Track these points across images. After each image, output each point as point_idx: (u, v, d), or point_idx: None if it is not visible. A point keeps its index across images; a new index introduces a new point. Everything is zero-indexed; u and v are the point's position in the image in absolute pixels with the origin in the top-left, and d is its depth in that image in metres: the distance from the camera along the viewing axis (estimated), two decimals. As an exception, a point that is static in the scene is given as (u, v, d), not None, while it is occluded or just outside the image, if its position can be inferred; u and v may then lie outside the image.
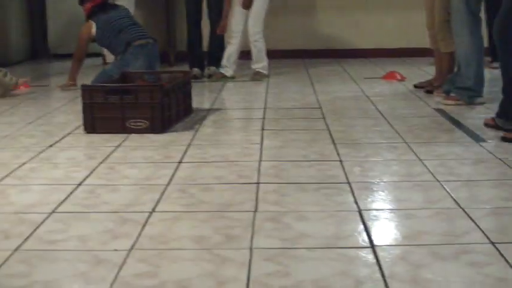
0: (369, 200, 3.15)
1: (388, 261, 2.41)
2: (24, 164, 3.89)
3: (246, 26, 7.21)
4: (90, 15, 6.37)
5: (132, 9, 7.56)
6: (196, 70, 7.41)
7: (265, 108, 5.54)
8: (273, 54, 7.81)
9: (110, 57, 7.27)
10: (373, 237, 2.65)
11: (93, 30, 6.29)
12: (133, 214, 2.98)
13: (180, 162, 3.87)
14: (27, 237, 2.72)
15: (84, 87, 4.76)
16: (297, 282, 2.26)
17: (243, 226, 2.80)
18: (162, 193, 3.27)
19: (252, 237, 2.67)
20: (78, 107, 4.87)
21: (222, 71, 7.30)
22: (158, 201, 3.15)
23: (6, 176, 3.65)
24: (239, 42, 7.23)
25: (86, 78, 6.46)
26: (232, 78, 7.26)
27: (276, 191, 3.28)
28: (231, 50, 7.26)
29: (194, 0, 7.44)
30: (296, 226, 2.79)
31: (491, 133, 4.40)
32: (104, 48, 6.69)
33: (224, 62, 7.28)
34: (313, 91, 6.41)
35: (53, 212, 3.03)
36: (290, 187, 3.34)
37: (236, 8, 7.19)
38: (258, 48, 7.24)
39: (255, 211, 2.98)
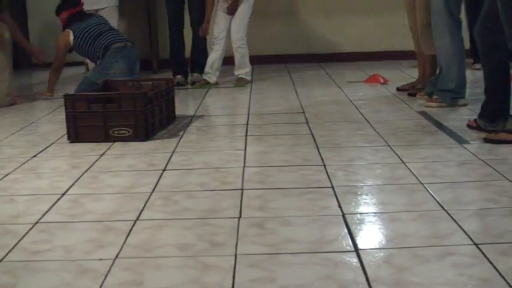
0: (353, 204, 3.15)
1: (372, 264, 2.42)
2: (7, 174, 3.88)
3: (229, 32, 7.22)
4: (67, 25, 6.32)
5: (115, 22, 7.55)
6: (179, 77, 7.41)
7: (248, 114, 5.54)
8: (255, 60, 7.83)
9: (92, 66, 7.25)
10: (357, 241, 2.65)
11: (71, 38, 6.23)
12: (118, 223, 2.97)
13: (164, 169, 3.87)
14: (12, 248, 2.71)
15: (67, 97, 4.75)
16: (282, 287, 2.27)
17: (228, 233, 2.80)
18: (146, 201, 3.27)
19: (236, 244, 2.67)
20: (62, 116, 4.86)
21: (205, 77, 7.30)
22: (142, 210, 3.15)
23: (-10, 187, 3.64)
24: (222, 48, 7.24)
25: (69, 87, 6.46)
26: (216, 84, 7.26)
27: (260, 196, 3.28)
28: (214, 57, 7.26)
29: (176, 8, 7.44)
30: (280, 231, 2.79)
31: (474, 134, 4.42)
32: (83, 56, 6.62)
33: (207, 68, 7.29)
34: (296, 96, 6.42)
35: (37, 222, 3.02)
36: (274, 193, 3.35)
37: (219, 14, 7.20)
38: (241, 54, 7.25)
39: (239, 217, 2.99)
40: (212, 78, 7.27)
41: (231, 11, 7.11)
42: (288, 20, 9.18)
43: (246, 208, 3.11)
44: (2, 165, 4.10)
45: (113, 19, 7.39)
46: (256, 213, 3.03)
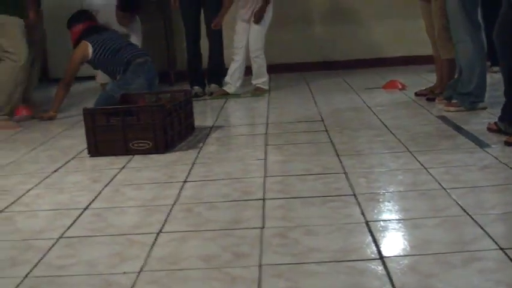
0: (376, 211, 3.14)
1: (398, 272, 2.41)
2: (29, 190, 3.89)
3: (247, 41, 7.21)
4: (82, 37, 6.20)
5: (139, 39, 7.54)
6: (197, 88, 7.43)
7: (267, 124, 5.54)
8: (272, 69, 7.82)
9: (102, 77, 7.06)
10: (381, 249, 2.64)
11: (90, 51, 6.13)
12: (141, 236, 2.97)
13: (185, 181, 3.87)
14: (36, 264, 2.71)
15: (86, 111, 4.76)
16: (308, 297, 2.27)
17: (251, 243, 2.79)
18: (169, 213, 3.27)
19: (260, 254, 2.66)
20: (81, 130, 4.88)
21: (224, 87, 7.30)
22: (165, 222, 3.15)
23: (13, 203, 3.65)
24: (242, 58, 7.22)
25: (86, 101, 6.47)
26: (236, 95, 7.22)
27: (282, 206, 3.28)
28: (234, 67, 7.25)
29: (193, 19, 7.46)
30: (304, 241, 2.78)
31: (495, 138, 4.39)
32: (99, 69, 6.49)
33: (227, 78, 7.28)
34: (315, 104, 6.41)
35: (61, 237, 3.03)
36: (296, 202, 3.34)
37: (239, 23, 7.19)
38: (259, 64, 7.25)
39: (262, 227, 2.98)
40: (231, 88, 7.26)
41: (257, 19, 7.09)
42: (304, 28, 9.18)
43: (269, 218, 3.11)
44: (24, 180, 4.12)
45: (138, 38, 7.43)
46: (279, 223, 3.03)
